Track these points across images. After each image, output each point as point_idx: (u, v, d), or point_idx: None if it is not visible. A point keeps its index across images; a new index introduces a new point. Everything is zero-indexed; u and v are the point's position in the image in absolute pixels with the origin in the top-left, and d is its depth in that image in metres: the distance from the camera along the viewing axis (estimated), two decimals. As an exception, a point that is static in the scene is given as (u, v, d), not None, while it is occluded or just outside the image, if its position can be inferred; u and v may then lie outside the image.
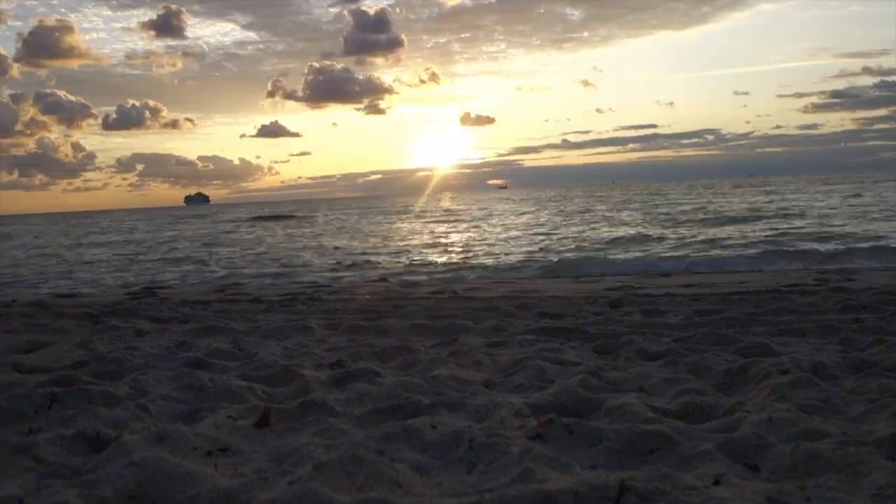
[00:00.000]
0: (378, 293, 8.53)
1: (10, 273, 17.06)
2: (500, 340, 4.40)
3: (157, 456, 2.06)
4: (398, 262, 15.76)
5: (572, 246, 17.72)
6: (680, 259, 13.60)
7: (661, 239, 18.03)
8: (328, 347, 4.34)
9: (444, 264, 15.03)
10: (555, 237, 20.96)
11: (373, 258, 16.92)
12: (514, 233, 24.38)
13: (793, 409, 2.53)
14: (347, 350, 4.15)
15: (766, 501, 1.72)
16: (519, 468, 2.03)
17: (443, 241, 22.57)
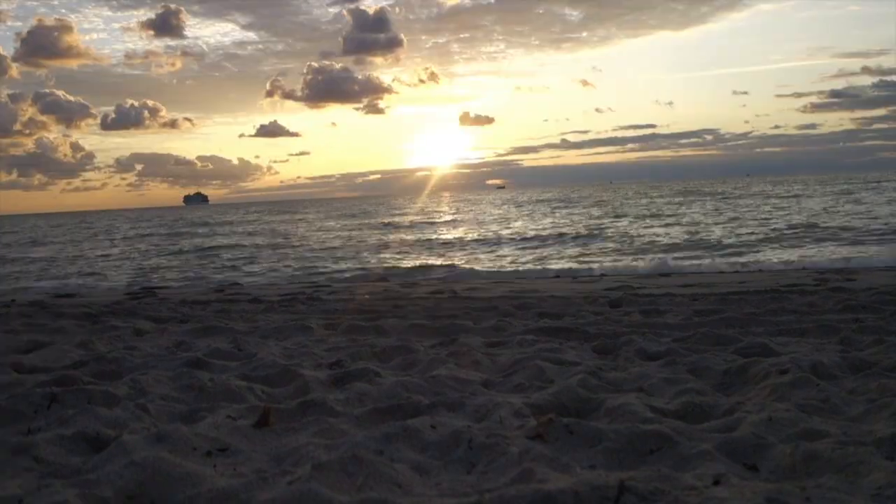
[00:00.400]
0: (377, 293, 8.54)
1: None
2: (500, 340, 4.40)
3: (156, 456, 2.06)
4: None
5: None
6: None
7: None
8: (328, 347, 4.34)
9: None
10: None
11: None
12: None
13: (792, 409, 2.53)
14: (347, 350, 4.15)
15: (765, 501, 1.72)
16: (518, 468, 2.03)
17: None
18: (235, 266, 17.30)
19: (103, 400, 2.91)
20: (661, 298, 6.67)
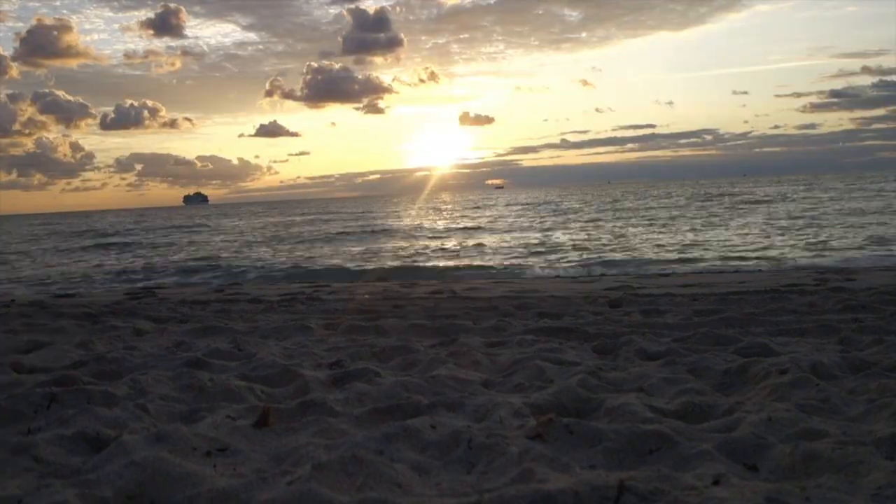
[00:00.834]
0: (377, 293, 8.53)
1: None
2: (500, 340, 4.40)
3: (156, 456, 2.06)
4: None
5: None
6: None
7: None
8: (327, 347, 4.34)
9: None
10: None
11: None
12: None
13: (792, 409, 2.53)
14: (347, 350, 4.14)
15: (765, 501, 1.72)
16: (518, 468, 2.03)
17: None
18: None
19: (103, 400, 2.91)
20: (661, 298, 6.67)
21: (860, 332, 4.19)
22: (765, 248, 15.26)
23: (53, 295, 10.43)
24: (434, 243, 20.94)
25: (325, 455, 2.16)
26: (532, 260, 15.84)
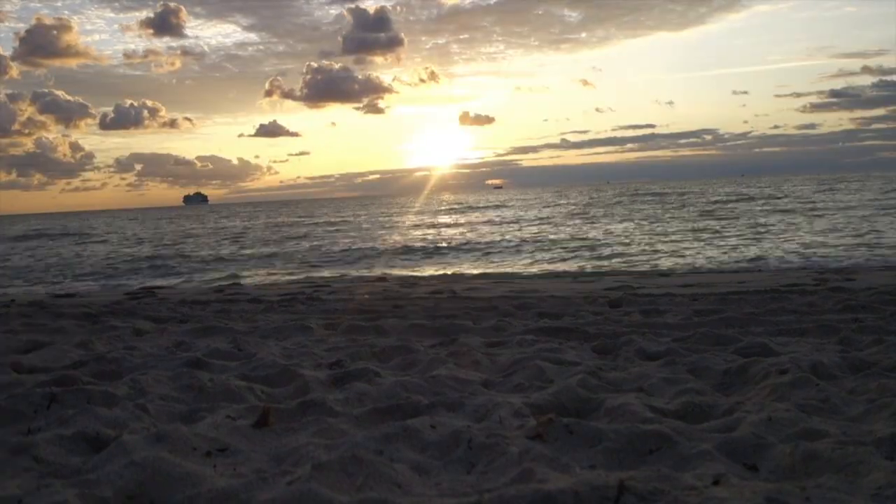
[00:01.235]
0: (377, 293, 8.53)
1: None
2: (500, 340, 4.40)
3: (156, 456, 2.06)
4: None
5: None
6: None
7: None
8: (327, 347, 4.34)
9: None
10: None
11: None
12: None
13: (792, 409, 2.53)
14: (347, 350, 4.14)
15: (765, 501, 1.72)
16: (518, 468, 2.03)
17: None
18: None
19: (103, 400, 2.91)
20: (661, 298, 6.67)
21: (860, 332, 4.19)
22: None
23: (53, 295, 10.43)
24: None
25: (325, 455, 2.16)
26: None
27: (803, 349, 3.77)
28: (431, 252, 18.26)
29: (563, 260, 14.80)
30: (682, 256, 14.14)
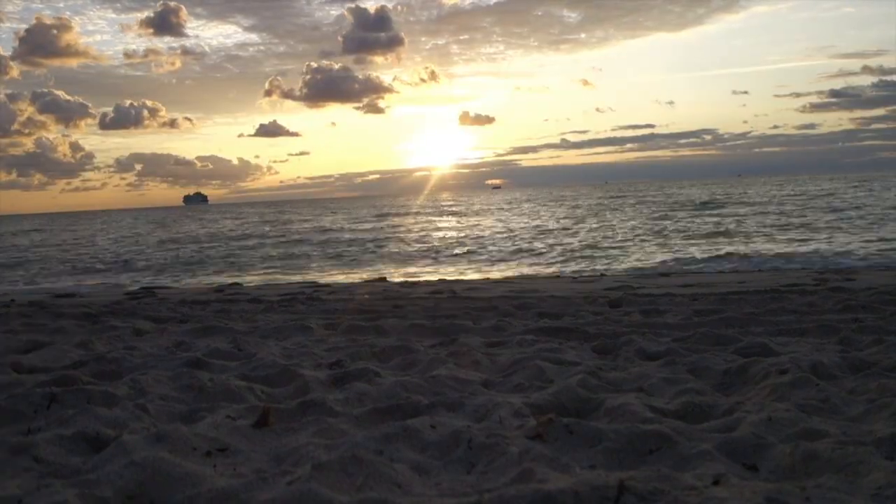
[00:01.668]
0: (377, 293, 8.53)
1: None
2: (500, 340, 4.40)
3: (156, 456, 2.06)
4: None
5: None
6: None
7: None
8: (327, 347, 4.34)
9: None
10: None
11: None
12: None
13: (792, 409, 2.53)
14: (347, 350, 4.14)
15: (765, 501, 1.72)
16: (518, 468, 2.03)
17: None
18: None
19: (103, 400, 2.91)
20: (661, 298, 6.67)
21: (860, 332, 4.19)
22: None
23: (53, 295, 10.43)
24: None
25: (325, 455, 2.16)
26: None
27: (803, 349, 3.77)
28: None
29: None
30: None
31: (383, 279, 12.11)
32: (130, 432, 2.38)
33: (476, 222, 32.07)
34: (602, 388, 3.09)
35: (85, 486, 1.94)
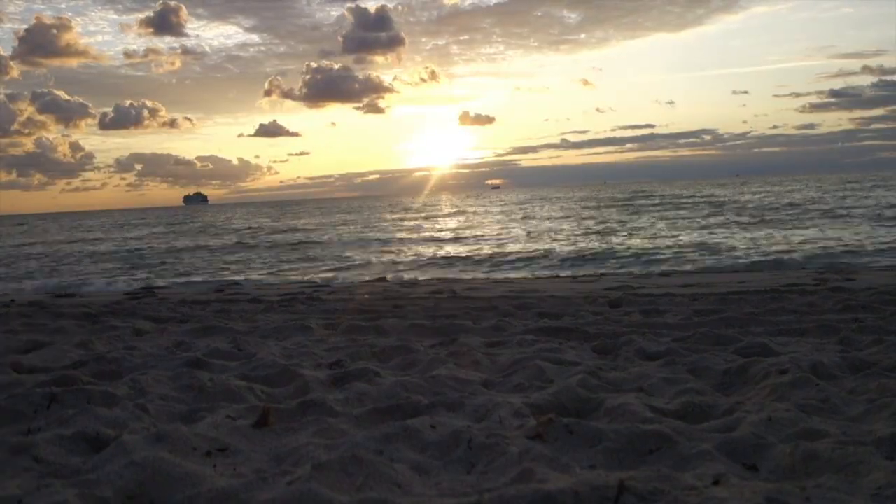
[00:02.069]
0: (377, 293, 8.53)
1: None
2: (500, 340, 4.40)
3: (156, 456, 2.06)
4: None
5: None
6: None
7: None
8: (327, 347, 4.34)
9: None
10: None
11: None
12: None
13: (792, 409, 2.53)
14: (347, 350, 4.14)
15: (765, 501, 1.72)
16: (518, 468, 2.03)
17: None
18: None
19: (103, 400, 2.91)
20: (661, 298, 6.67)
21: (860, 332, 4.19)
22: None
23: (53, 295, 10.43)
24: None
25: (325, 455, 2.16)
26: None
27: (803, 349, 3.77)
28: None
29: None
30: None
31: (383, 279, 12.11)
32: (130, 432, 2.38)
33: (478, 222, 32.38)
34: (602, 388, 3.09)
35: (85, 486, 1.94)
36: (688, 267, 12.28)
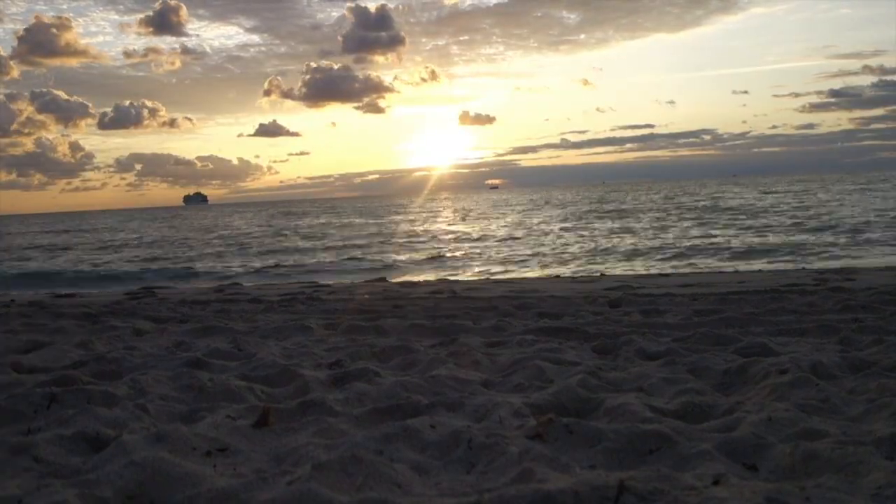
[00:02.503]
0: (377, 293, 8.53)
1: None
2: (500, 340, 4.40)
3: (156, 456, 2.06)
4: None
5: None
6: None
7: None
8: (327, 347, 4.34)
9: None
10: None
11: None
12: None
13: (792, 409, 2.53)
14: (346, 350, 4.14)
15: (765, 501, 1.72)
16: (518, 468, 2.03)
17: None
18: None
19: (103, 400, 2.91)
20: (661, 298, 6.67)
21: (860, 332, 4.19)
22: None
23: (53, 295, 10.43)
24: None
25: (324, 455, 2.16)
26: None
27: (803, 349, 3.77)
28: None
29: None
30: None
31: (383, 279, 12.11)
32: (130, 432, 2.38)
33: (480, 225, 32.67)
34: (602, 388, 3.09)
35: (85, 486, 1.94)
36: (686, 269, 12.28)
